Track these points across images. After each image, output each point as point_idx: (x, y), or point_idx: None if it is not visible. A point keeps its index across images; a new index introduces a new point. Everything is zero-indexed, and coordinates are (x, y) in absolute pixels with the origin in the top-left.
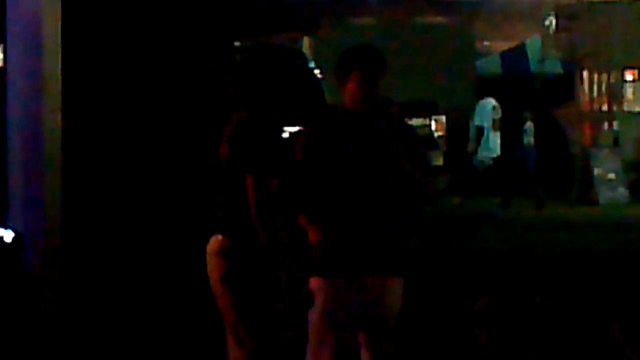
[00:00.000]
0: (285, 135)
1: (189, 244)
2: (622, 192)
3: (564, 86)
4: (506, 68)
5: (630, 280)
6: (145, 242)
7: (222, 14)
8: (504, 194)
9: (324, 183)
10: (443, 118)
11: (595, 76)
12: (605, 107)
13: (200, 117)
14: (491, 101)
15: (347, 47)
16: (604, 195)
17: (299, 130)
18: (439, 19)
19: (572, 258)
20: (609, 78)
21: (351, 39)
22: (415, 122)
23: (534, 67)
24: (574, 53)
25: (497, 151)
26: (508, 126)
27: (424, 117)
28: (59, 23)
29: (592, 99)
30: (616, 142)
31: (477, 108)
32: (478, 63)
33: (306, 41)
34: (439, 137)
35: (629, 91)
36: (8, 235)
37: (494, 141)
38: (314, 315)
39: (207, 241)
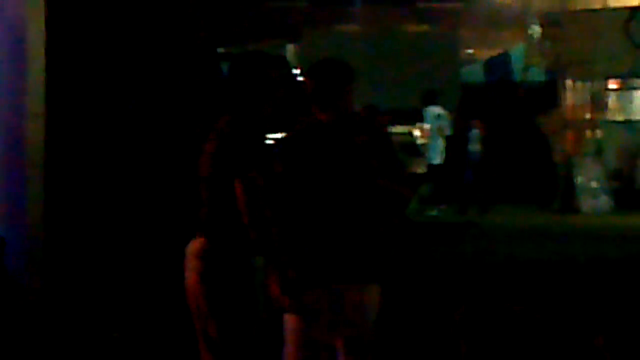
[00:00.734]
0: (269, 142)
1: (173, 247)
2: (604, 200)
3: (547, 94)
4: (490, 76)
5: (613, 289)
6: (128, 246)
7: (207, 21)
8: (459, 201)
9: (295, 194)
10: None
11: (579, 85)
12: (588, 116)
13: (183, 122)
14: (436, 109)
15: (331, 54)
16: (587, 203)
17: (278, 140)
18: (423, 27)
19: (555, 267)
20: (592, 87)
21: (335, 47)
22: (398, 129)
23: (517, 75)
24: (558, 61)
25: (440, 159)
26: (453, 133)
27: (407, 125)
28: (43, 27)
29: (575, 108)
30: (599, 150)
31: (425, 115)
32: (462, 71)
33: (290, 48)
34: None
35: (612, 100)
36: None
37: (438, 148)
38: (289, 323)
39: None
